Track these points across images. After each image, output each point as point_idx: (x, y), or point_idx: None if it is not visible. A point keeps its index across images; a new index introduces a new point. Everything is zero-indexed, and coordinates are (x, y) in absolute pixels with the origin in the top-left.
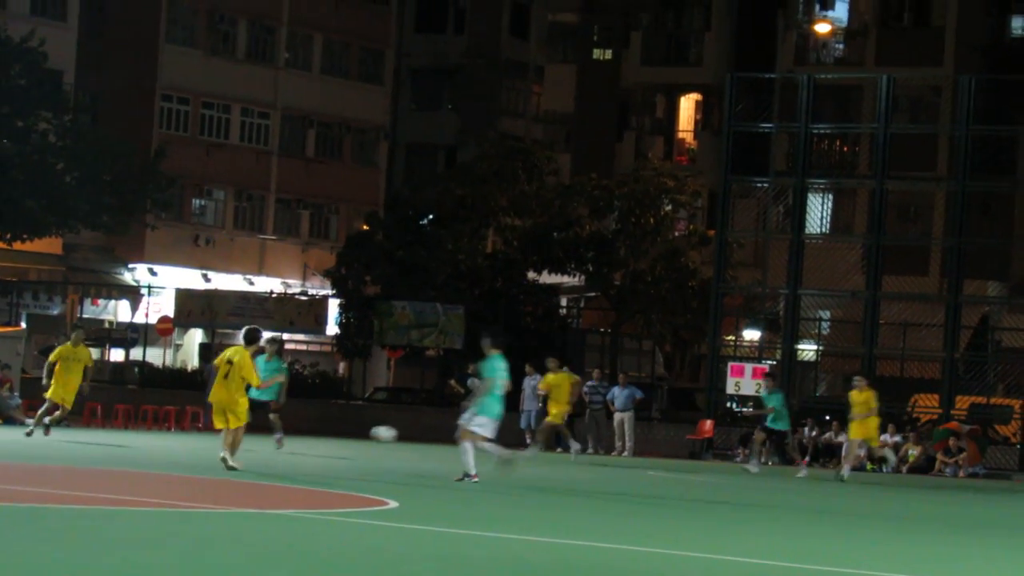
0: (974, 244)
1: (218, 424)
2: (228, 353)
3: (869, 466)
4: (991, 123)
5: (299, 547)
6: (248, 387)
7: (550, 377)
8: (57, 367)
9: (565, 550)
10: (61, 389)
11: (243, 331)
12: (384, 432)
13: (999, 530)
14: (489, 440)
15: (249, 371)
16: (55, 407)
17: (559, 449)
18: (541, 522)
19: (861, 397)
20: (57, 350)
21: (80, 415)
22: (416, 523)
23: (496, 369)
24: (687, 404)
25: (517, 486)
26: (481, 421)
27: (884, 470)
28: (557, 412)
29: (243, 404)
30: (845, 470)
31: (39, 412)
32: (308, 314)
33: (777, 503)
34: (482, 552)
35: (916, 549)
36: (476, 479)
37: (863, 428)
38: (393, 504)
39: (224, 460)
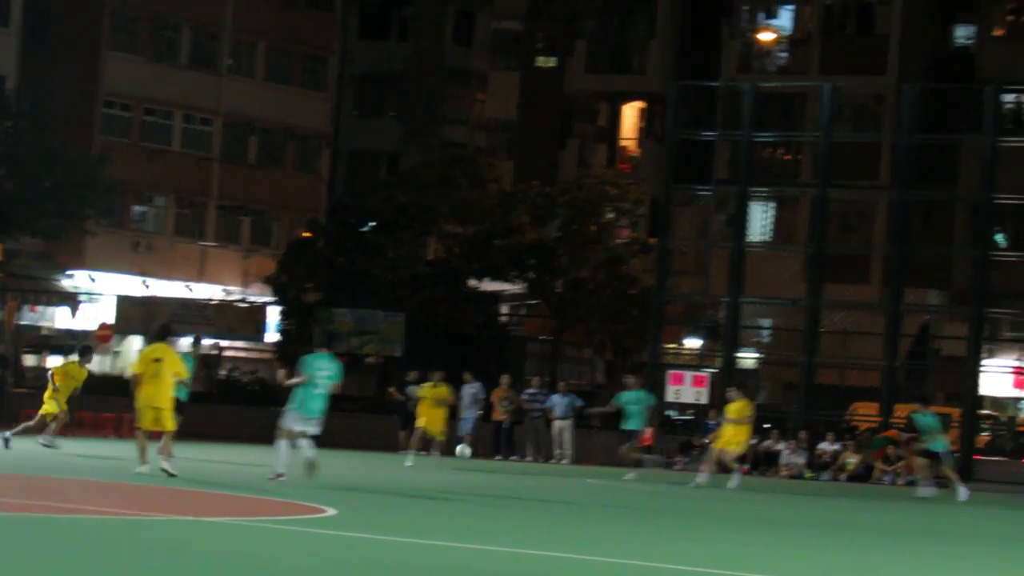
0: (915, 253)
1: (148, 423)
2: (153, 352)
3: (808, 474)
4: (934, 132)
5: (239, 555)
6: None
7: (427, 388)
8: (59, 385)
9: (504, 558)
10: (56, 404)
11: (156, 328)
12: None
13: (937, 538)
14: (306, 437)
15: (180, 365)
16: (44, 425)
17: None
18: (480, 530)
19: (735, 407)
20: (71, 371)
21: (17, 421)
22: (355, 531)
23: (313, 366)
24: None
25: (456, 494)
26: (294, 417)
27: (823, 478)
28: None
29: (171, 406)
30: (703, 477)
31: (40, 427)
32: (248, 321)
33: (716, 511)
34: (421, 560)
35: (854, 557)
36: (284, 478)
37: (733, 435)
38: (332, 511)
39: (164, 470)
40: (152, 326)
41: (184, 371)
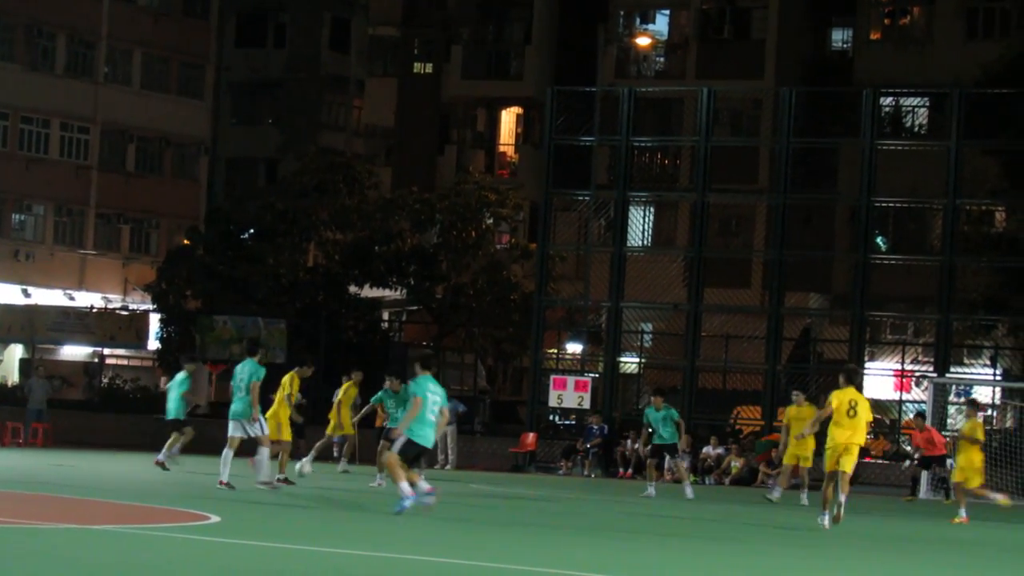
0: (795, 256)
1: None
2: None
3: (692, 478)
4: (812, 135)
5: (125, 562)
6: None
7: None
8: None
9: (384, 563)
10: None
11: None
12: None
13: (822, 540)
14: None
15: None
16: None
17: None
18: (362, 535)
19: (801, 413)
20: None
21: None
22: (239, 537)
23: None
24: (510, 417)
25: (340, 500)
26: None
27: (707, 482)
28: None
29: None
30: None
31: None
32: (129, 329)
33: (598, 516)
34: (304, 566)
35: (739, 560)
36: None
37: (801, 448)
38: (216, 519)
39: None
40: None
41: None
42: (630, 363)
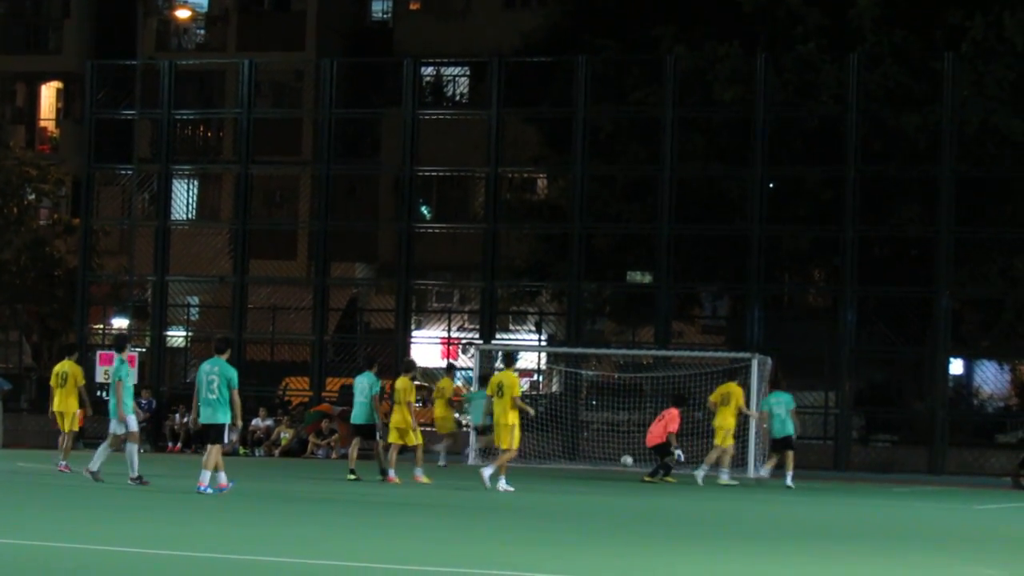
0: (341, 227)
1: None
2: None
3: (242, 450)
4: (354, 106)
5: None
6: None
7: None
8: None
9: None
10: None
11: None
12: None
13: (361, 507)
14: None
15: None
16: None
17: None
18: None
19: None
20: None
21: None
22: None
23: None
24: None
25: None
26: None
27: (257, 453)
28: None
29: None
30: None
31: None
32: None
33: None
34: None
35: (297, 530)
36: None
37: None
38: None
39: None
40: None
41: None
42: (177, 336)
